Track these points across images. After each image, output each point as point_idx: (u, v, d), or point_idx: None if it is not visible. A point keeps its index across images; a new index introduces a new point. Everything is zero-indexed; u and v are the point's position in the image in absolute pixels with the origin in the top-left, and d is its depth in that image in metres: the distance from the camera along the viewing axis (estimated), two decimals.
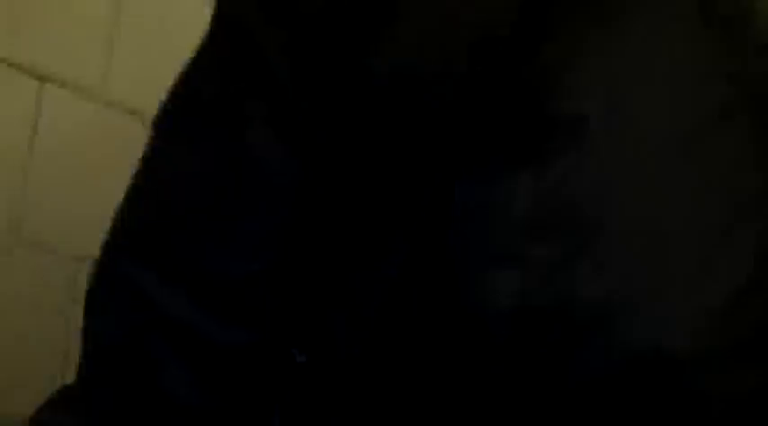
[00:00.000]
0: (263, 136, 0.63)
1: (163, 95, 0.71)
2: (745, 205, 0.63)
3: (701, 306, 0.61)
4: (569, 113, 0.62)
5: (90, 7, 1.47)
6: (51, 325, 1.29)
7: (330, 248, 0.63)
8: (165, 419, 0.61)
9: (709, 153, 0.63)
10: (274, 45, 0.63)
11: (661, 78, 0.63)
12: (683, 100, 0.64)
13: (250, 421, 0.63)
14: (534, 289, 0.60)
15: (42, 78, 1.47)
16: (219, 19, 0.66)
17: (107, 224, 0.70)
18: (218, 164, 0.63)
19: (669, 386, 0.59)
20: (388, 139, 0.63)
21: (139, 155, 0.71)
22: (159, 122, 0.68)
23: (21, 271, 1.43)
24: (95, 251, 0.70)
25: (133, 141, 0.74)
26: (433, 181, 0.63)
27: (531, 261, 0.61)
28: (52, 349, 1.25)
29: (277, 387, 0.65)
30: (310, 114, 0.63)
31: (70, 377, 0.69)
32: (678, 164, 0.63)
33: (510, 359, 0.60)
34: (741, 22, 0.65)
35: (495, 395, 0.60)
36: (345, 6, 0.63)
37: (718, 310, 0.61)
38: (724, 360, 0.61)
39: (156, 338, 0.62)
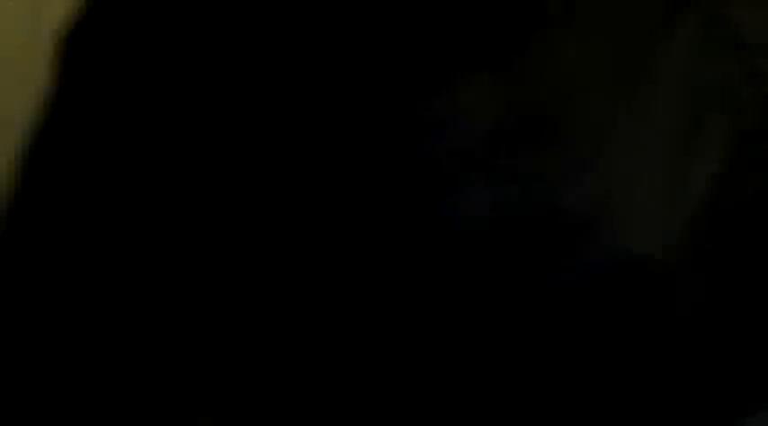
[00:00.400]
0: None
1: None
2: (706, 105, 0.61)
3: (679, 209, 0.59)
4: (526, 5, 0.60)
5: None
6: None
7: (287, 186, 0.60)
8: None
9: (663, 52, 0.61)
10: None
11: None
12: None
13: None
14: (511, 200, 0.58)
15: None
16: None
17: None
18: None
19: (652, 291, 0.59)
20: (346, 60, 0.60)
21: None
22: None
23: None
24: None
25: None
26: (395, 98, 0.60)
27: (505, 171, 0.58)
28: None
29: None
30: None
31: None
32: (635, 63, 0.61)
33: (491, 272, 0.58)
34: None
35: (477, 310, 0.59)
36: None
37: (694, 214, 0.59)
38: (703, 265, 0.60)
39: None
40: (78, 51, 0.60)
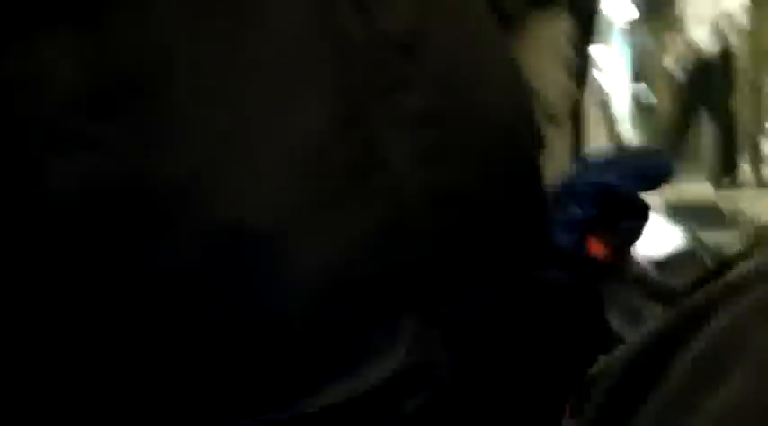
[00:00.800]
0: None
1: None
2: (316, 51, 0.60)
3: (282, 173, 0.57)
4: None
5: None
6: None
7: None
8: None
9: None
10: None
11: None
12: None
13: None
14: (101, 171, 0.54)
15: None
16: None
17: None
18: None
19: (256, 261, 0.56)
20: None
21: None
22: None
23: None
24: None
25: None
26: None
27: (94, 139, 0.54)
28: None
29: None
30: None
31: None
32: (241, 12, 0.58)
33: (80, 249, 0.55)
34: None
35: (72, 287, 0.56)
36: None
37: (299, 175, 0.57)
38: (311, 229, 0.58)
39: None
40: None
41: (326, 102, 0.60)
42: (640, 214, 0.76)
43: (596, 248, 0.75)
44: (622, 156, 0.80)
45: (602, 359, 0.64)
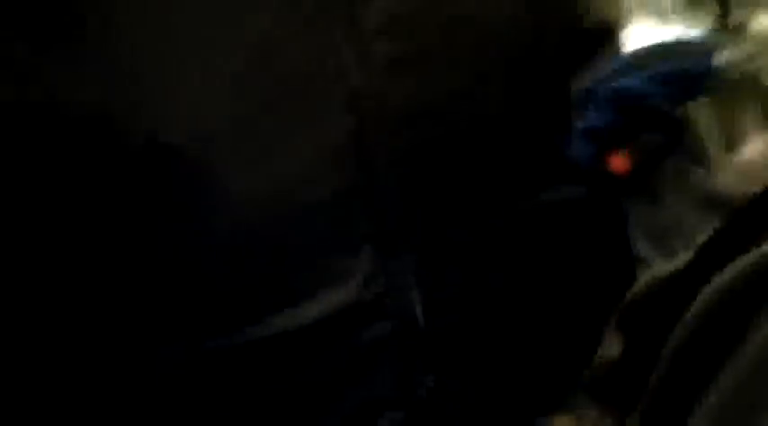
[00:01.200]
0: None
1: None
2: None
3: (211, 87, 0.55)
4: None
5: None
6: None
7: None
8: None
9: None
10: None
11: None
12: None
13: None
14: (12, 89, 0.54)
15: None
16: None
17: None
18: None
19: (182, 183, 0.55)
20: None
21: None
22: None
23: None
24: None
25: None
26: None
27: (6, 59, 0.54)
28: None
29: None
30: None
31: None
32: None
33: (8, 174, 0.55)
34: None
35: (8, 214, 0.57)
36: None
37: (235, 87, 0.55)
38: (246, 149, 0.55)
39: None
40: None
41: (283, 4, 0.54)
42: (670, 127, 0.65)
43: (617, 163, 0.65)
44: (659, 54, 0.68)
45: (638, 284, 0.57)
